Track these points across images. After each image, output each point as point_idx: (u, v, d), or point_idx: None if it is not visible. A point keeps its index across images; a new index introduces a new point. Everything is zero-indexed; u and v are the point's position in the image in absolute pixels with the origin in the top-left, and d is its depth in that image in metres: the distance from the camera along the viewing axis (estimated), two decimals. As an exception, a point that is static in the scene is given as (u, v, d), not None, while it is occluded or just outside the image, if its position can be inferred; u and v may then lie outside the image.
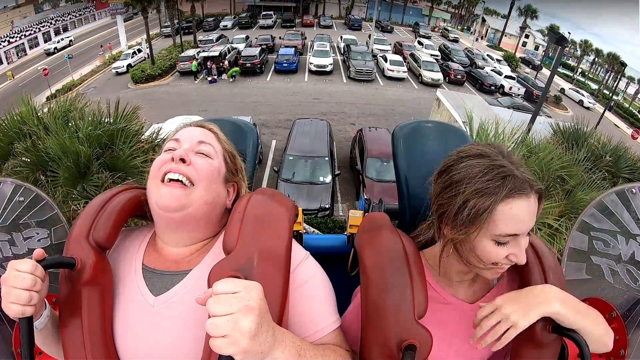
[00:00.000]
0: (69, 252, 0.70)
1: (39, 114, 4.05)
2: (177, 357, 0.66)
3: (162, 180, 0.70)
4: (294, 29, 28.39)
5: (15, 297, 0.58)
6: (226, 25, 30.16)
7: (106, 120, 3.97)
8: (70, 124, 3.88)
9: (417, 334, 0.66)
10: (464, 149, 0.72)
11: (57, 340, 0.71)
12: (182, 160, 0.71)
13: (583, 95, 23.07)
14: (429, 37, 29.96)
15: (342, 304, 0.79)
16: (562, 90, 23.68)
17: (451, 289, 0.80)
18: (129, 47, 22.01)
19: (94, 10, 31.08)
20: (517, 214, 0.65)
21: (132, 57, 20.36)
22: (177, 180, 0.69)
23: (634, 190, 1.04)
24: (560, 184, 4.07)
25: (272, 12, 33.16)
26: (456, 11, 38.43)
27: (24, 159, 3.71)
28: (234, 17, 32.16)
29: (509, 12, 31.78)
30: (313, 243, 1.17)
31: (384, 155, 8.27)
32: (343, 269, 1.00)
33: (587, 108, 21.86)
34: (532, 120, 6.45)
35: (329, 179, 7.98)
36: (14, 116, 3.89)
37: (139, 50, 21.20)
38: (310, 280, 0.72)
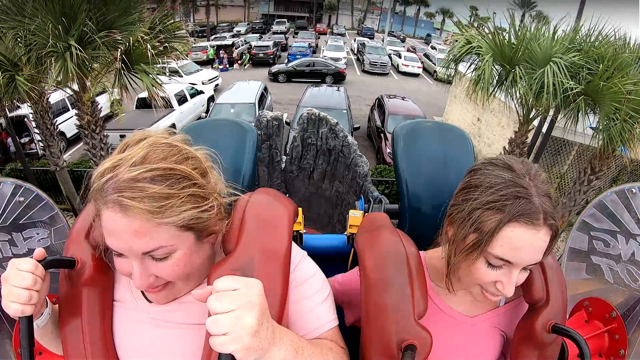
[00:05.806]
0: (69, 252, 0.69)
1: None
2: (175, 358, 0.66)
3: None
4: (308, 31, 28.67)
5: (15, 296, 0.57)
6: (240, 31, 30.50)
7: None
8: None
9: (417, 334, 0.64)
10: (497, 157, 0.69)
11: (57, 337, 0.70)
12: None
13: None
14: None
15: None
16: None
17: (447, 297, 0.77)
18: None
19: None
20: (516, 241, 0.60)
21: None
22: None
23: (634, 190, 1.05)
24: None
25: (285, 20, 33.79)
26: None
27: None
28: (248, 24, 32.70)
29: (522, 19, 32.83)
30: (313, 243, 1.18)
31: (403, 114, 8.68)
32: (343, 269, 0.96)
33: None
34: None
35: (347, 131, 7.44)
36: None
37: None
38: (308, 280, 0.71)
